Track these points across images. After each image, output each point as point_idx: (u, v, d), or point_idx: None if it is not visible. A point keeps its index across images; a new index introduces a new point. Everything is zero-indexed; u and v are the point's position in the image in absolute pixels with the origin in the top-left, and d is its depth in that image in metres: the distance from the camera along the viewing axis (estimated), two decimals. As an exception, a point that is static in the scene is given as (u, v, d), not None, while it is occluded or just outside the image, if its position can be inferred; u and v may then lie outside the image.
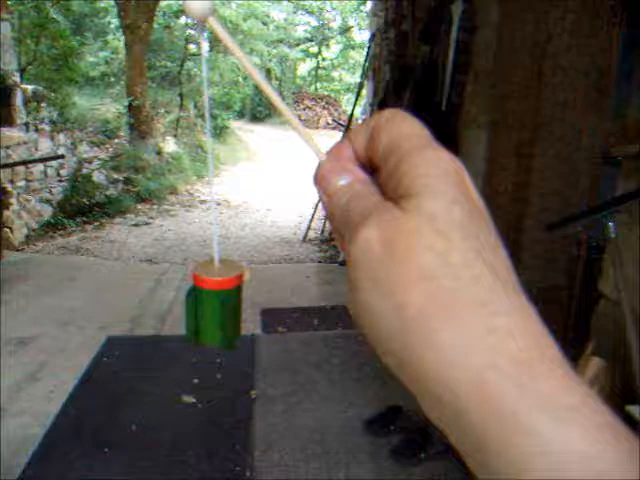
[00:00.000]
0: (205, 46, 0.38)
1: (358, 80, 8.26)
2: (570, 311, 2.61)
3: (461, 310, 0.22)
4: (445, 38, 3.21)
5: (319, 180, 0.29)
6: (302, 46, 21.07)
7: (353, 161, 0.29)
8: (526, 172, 2.66)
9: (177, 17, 12.94)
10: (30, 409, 2.63)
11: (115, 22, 12.09)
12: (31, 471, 2.19)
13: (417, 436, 2.35)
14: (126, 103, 9.22)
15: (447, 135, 3.20)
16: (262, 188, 10.02)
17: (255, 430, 2.48)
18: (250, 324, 3.46)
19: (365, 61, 6.58)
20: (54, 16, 8.96)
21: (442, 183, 0.24)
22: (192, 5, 0.30)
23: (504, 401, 0.21)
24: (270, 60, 18.30)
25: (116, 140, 8.77)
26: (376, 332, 0.25)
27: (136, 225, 6.84)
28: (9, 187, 5.71)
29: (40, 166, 6.36)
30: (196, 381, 2.90)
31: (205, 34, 0.35)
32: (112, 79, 12.50)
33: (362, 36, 18.41)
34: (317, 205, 6.40)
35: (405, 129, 0.26)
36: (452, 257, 0.23)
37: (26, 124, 6.22)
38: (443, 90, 3.19)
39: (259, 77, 0.31)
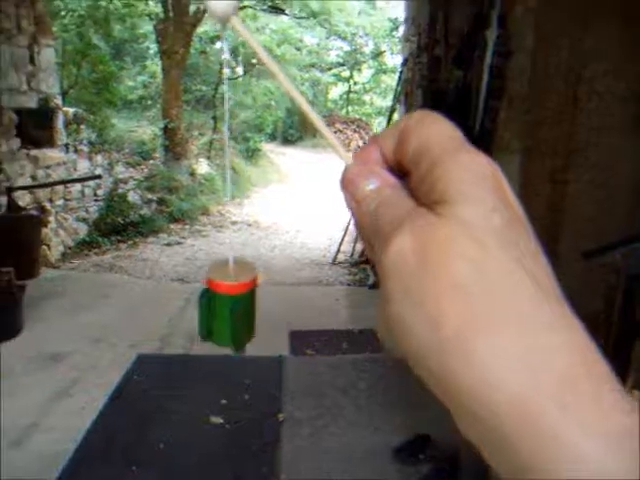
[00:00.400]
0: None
1: (389, 104, 8.31)
2: (608, 342, 2.53)
3: (500, 327, 0.21)
4: (479, 63, 3.21)
5: (346, 184, 0.28)
6: (334, 70, 21.38)
7: (381, 164, 0.28)
8: (560, 198, 2.62)
9: (213, 43, 13.32)
10: (61, 424, 2.67)
11: (153, 47, 12.51)
12: (60, 487, 2.21)
13: (447, 465, 2.29)
14: (162, 125, 9.48)
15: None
16: (292, 210, 10.09)
17: (282, 453, 2.45)
18: (278, 346, 3.46)
19: (397, 85, 6.63)
20: (96, 42, 9.34)
21: (479, 189, 0.23)
22: (215, 5, 0.30)
23: (545, 422, 0.20)
24: (302, 84, 18.60)
25: (151, 161, 9.01)
26: (408, 347, 0.23)
27: (168, 244, 6.95)
28: (48, 206, 5.90)
29: (78, 186, 6.56)
30: (224, 402, 2.89)
31: (228, 49, 0.35)
32: (149, 102, 12.90)
33: (394, 60, 18.58)
34: (347, 228, 6.41)
35: (436, 130, 0.25)
36: (489, 266, 0.22)
37: (66, 145, 6.45)
38: (476, 115, 3.18)
39: (284, 78, 0.31)
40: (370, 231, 0.26)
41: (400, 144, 0.26)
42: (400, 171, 0.27)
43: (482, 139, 3.18)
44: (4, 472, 2.32)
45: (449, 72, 4.01)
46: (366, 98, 23.01)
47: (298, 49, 16.29)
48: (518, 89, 2.85)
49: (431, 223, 0.23)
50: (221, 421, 2.72)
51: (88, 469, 2.34)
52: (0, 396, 2.82)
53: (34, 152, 5.78)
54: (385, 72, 20.68)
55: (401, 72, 6.59)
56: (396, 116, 7.23)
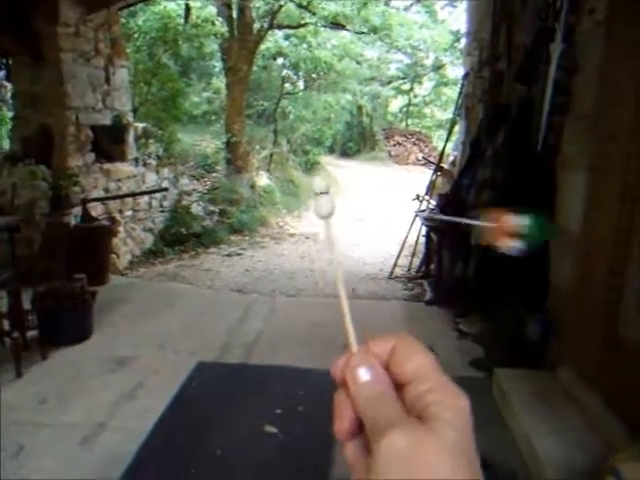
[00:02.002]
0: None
1: (449, 116, 8.23)
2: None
3: None
4: (542, 78, 3.15)
5: (350, 369, 0.36)
6: (394, 83, 21.35)
7: (379, 362, 0.36)
8: (629, 216, 2.51)
9: (274, 59, 13.66)
10: (126, 426, 2.80)
11: (218, 65, 12.97)
12: (124, 486, 2.33)
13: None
14: (224, 139, 9.80)
15: (542, 177, 3.11)
16: (350, 223, 10.14)
17: (334, 466, 2.47)
18: (333, 359, 3.49)
19: (458, 99, 6.56)
20: (165, 61, 9.80)
21: (458, 417, 0.32)
22: (321, 211, 0.41)
23: None
24: (362, 97, 18.69)
25: (214, 174, 9.32)
26: None
27: (228, 255, 7.15)
28: (118, 216, 6.23)
29: (146, 198, 6.88)
30: (279, 412, 2.95)
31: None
32: (213, 117, 13.36)
33: (455, 72, 18.35)
34: (404, 242, 6.37)
35: (427, 362, 0.35)
36: (458, 471, 0.30)
37: (136, 159, 6.79)
38: (539, 131, 3.12)
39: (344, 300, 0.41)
40: (365, 415, 0.34)
41: (396, 363, 0.36)
42: (388, 372, 0.36)
43: (545, 155, 3.11)
44: (77, 467, 2.46)
45: (511, 87, 3.94)
46: (426, 111, 22.82)
47: (358, 63, 16.40)
48: (584, 105, 2.78)
49: (423, 434, 0.31)
50: (275, 431, 2.77)
51: (149, 470, 2.45)
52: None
53: (107, 166, 6.12)
54: (446, 84, 20.45)
55: (462, 85, 6.53)
56: (456, 129, 7.15)
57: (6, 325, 3.45)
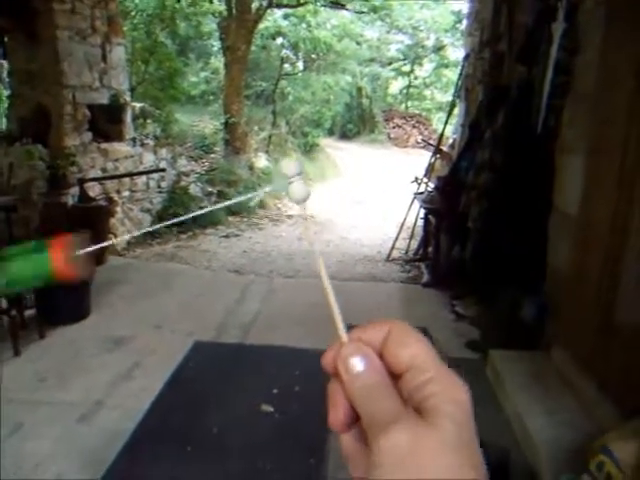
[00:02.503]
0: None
1: (450, 99, 8.17)
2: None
3: None
4: (543, 59, 3.11)
5: (342, 360, 0.34)
6: (394, 65, 21.14)
7: (372, 349, 0.35)
8: (627, 202, 2.50)
9: (274, 39, 13.51)
10: (123, 404, 2.83)
11: (217, 44, 12.82)
12: (121, 462, 2.35)
13: (495, 470, 2.26)
14: (223, 120, 9.72)
15: (541, 159, 3.09)
16: (348, 205, 10.12)
17: (330, 445, 2.50)
18: (329, 339, 3.50)
19: (458, 80, 6.50)
20: (162, 40, 9.68)
21: (458, 410, 0.31)
22: (296, 194, 0.38)
23: None
24: (362, 79, 18.52)
25: (212, 155, 9.26)
26: None
27: (226, 237, 7.14)
28: (116, 197, 6.20)
29: (143, 178, 6.85)
30: (275, 391, 2.97)
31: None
32: (211, 97, 13.24)
33: (456, 54, 18.16)
34: (402, 225, 6.37)
35: (424, 350, 0.34)
36: (459, 469, 0.30)
37: (133, 139, 6.74)
38: (539, 113, 3.09)
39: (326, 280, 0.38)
40: (362, 406, 0.33)
41: (390, 352, 0.34)
42: (382, 361, 0.34)
43: (544, 138, 3.09)
44: (74, 445, 2.49)
45: (512, 68, 3.90)
46: (426, 93, 22.61)
47: (358, 43, 16.22)
48: (585, 86, 2.75)
49: (424, 430, 0.30)
50: (272, 410, 2.80)
51: (146, 447, 2.48)
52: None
53: (104, 145, 6.08)
54: (447, 66, 20.25)
55: (463, 67, 6.47)
56: (456, 112, 7.09)
57: (4, 303, 3.45)
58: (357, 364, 0.34)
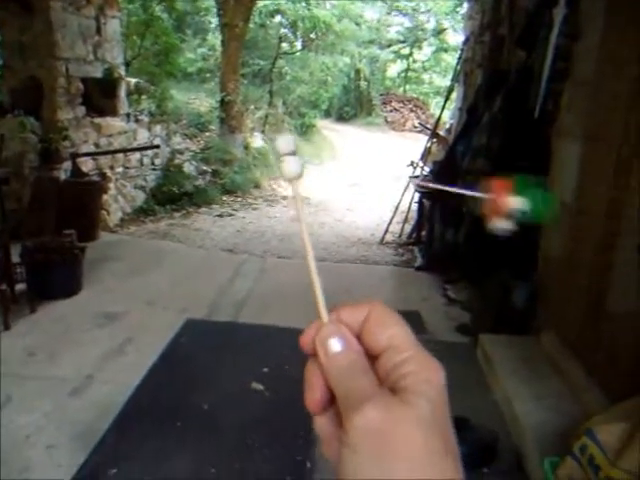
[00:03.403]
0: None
1: (448, 84, 8.11)
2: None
3: None
4: (543, 44, 3.09)
5: (320, 340, 0.34)
6: (393, 47, 20.94)
7: (350, 331, 0.35)
8: (623, 189, 2.50)
9: (272, 16, 13.30)
10: (114, 379, 2.83)
11: (214, 21, 12.62)
12: (112, 435, 2.37)
13: (482, 451, 2.30)
14: (219, 98, 9.60)
15: (538, 144, 3.08)
16: (343, 188, 10.09)
17: (319, 424, 2.52)
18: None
19: (457, 64, 6.45)
20: (159, 14, 9.51)
21: (432, 390, 0.31)
22: (289, 172, 0.38)
23: None
24: (360, 60, 18.34)
25: (207, 133, 9.18)
26: None
27: (220, 216, 7.11)
28: (109, 173, 6.15)
29: (137, 155, 6.79)
30: (265, 370, 2.99)
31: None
32: (207, 75, 13.07)
33: (456, 38, 17.98)
34: (397, 208, 6.36)
35: (402, 331, 0.34)
36: (430, 445, 0.30)
37: (127, 115, 6.66)
38: (537, 98, 3.08)
39: (311, 257, 0.37)
40: (338, 385, 0.33)
41: (369, 333, 0.35)
42: (360, 342, 0.35)
43: (542, 123, 3.08)
44: (65, 418, 2.49)
45: (512, 52, 3.87)
46: (425, 77, 22.45)
47: (358, 24, 16.02)
48: (584, 72, 2.73)
49: (396, 408, 0.30)
50: (262, 388, 2.82)
51: (136, 422, 2.49)
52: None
53: (98, 120, 6.01)
54: (446, 50, 20.08)
55: (462, 51, 6.41)
56: (454, 96, 7.05)
57: (-6, 277, 3.43)
58: (335, 345, 0.34)
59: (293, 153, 0.38)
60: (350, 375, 0.33)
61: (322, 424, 0.35)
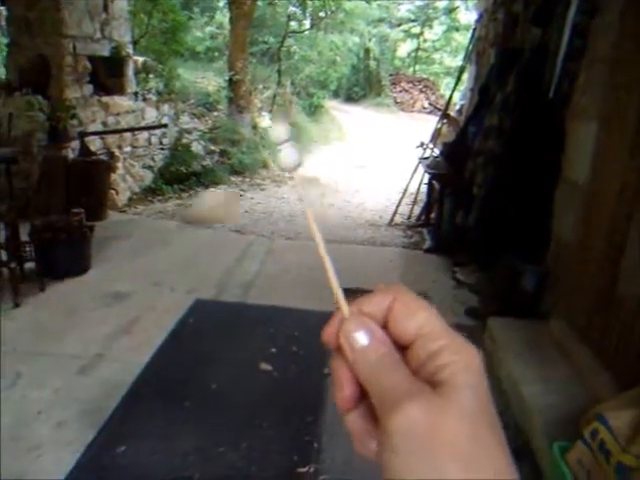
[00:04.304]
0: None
1: (459, 64, 7.97)
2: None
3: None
4: (559, 21, 3.00)
5: (345, 335, 0.32)
6: (404, 26, 20.61)
7: (375, 322, 0.33)
8: (638, 171, 2.45)
9: (281, -6, 13.09)
10: (123, 358, 2.85)
11: (222, -1, 12.45)
12: (119, 413, 2.38)
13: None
14: (227, 77, 9.51)
15: (552, 125, 3.03)
16: (352, 169, 10.02)
17: (326, 405, 2.53)
18: (328, 301, 3.50)
19: (469, 43, 6.33)
20: (167, -9, 9.36)
21: (474, 379, 0.30)
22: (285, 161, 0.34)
23: None
24: (370, 40, 18.08)
25: (215, 113, 9.11)
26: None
27: (228, 196, 7.09)
28: (117, 152, 6.13)
29: (145, 134, 6.75)
30: (274, 350, 2.99)
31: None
32: (215, 54, 12.94)
33: (468, 17, 17.66)
34: (405, 190, 6.31)
35: (432, 318, 0.32)
36: (480, 440, 0.28)
37: (135, 93, 6.62)
38: (552, 77, 3.00)
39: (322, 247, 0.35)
40: (370, 382, 0.31)
41: (396, 322, 0.32)
42: (387, 333, 0.32)
43: (557, 103, 3.01)
44: (74, 395, 2.51)
45: (526, 30, 3.78)
46: (435, 57, 22.12)
47: (368, 2, 15.74)
48: (602, 50, 2.66)
49: (440, 405, 0.28)
50: (270, 368, 2.82)
51: (145, 400, 2.50)
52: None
53: (105, 99, 5.97)
54: (458, 29, 19.74)
55: (474, 29, 6.28)
56: (465, 77, 6.93)
57: (3, 256, 3.44)
58: (361, 338, 0.32)
59: (288, 141, 0.35)
60: (382, 370, 0.30)
61: (353, 421, 0.33)
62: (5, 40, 6.32)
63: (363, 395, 0.32)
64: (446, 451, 0.27)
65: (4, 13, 6.29)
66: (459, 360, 0.30)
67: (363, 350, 0.31)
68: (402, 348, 0.32)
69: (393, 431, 0.28)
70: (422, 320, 0.32)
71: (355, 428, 0.33)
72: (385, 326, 0.32)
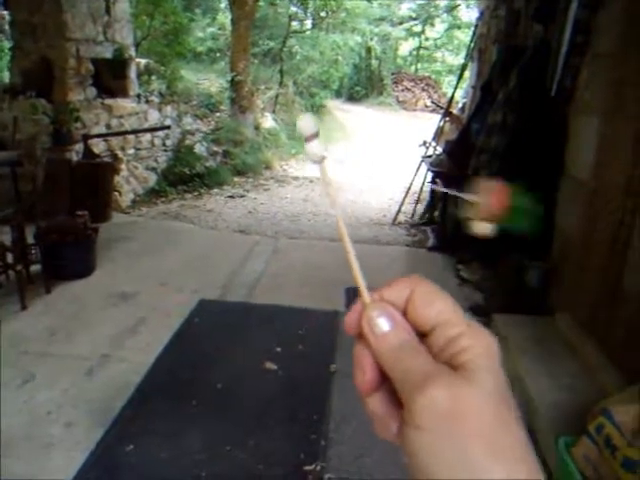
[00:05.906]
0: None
1: (461, 62, 7.97)
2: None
3: (509, 459, 0.29)
4: (561, 17, 3.00)
5: (367, 321, 0.33)
6: (405, 25, 20.57)
7: (397, 309, 0.34)
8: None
9: (282, -6, 13.10)
10: (129, 358, 2.86)
11: (224, 0, 12.46)
12: (127, 413, 2.40)
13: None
14: (229, 78, 9.53)
15: (555, 122, 3.02)
16: (355, 168, 10.02)
17: (332, 403, 2.54)
18: (334, 301, 3.51)
19: (471, 41, 6.32)
20: (168, -8, 9.38)
21: (492, 362, 0.31)
22: (313, 155, 0.37)
23: None
24: (371, 39, 18.07)
25: (217, 114, 9.13)
26: (433, 467, 0.29)
27: (231, 197, 7.11)
28: (120, 154, 6.15)
29: (148, 136, 6.77)
30: (279, 350, 3.00)
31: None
32: (217, 55, 12.96)
33: (469, 14, 17.64)
34: (409, 189, 6.31)
35: (449, 306, 0.33)
36: (503, 420, 0.29)
37: (138, 95, 6.64)
38: (554, 73, 3.00)
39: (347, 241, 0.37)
40: (393, 366, 0.32)
41: (416, 311, 0.33)
42: (406, 320, 0.34)
43: (559, 99, 3.01)
44: (82, 396, 2.53)
45: (528, 27, 3.78)
46: (437, 55, 22.09)
47: (369, 1, 15.74)
48: (604, 46, 2.66)
49: (462, 385, 0.29)
50: (275, 367, 2.83)
51: (152, 400, 2.52)
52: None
53: (108, 101, 5.99)
54: (459, 27, 19.70)
55: (476, 26, 6.28)
56: (467, 74, 6.93)
57: (10, 259, 3.46)
58: (383, 324, 0.33)
59: (317, 134, 0.36)
60: (404, 354, 0.32)
61: (373, 405, 0.34)
62: (9, 44, 6.35)
63: (383, 380, 0.33)
64: (471, 428, 0.28)
65: (7, 17, 6.33)
66: (477, 345, 0.31)
67: (385, 335, 0.33)
68: (421, 336, 0.33)
69: (418, 410, 0.29)
70: (441, 308, 0.33)
71: (375, 411, 0.34)
72: (405, 314, 0.34)
